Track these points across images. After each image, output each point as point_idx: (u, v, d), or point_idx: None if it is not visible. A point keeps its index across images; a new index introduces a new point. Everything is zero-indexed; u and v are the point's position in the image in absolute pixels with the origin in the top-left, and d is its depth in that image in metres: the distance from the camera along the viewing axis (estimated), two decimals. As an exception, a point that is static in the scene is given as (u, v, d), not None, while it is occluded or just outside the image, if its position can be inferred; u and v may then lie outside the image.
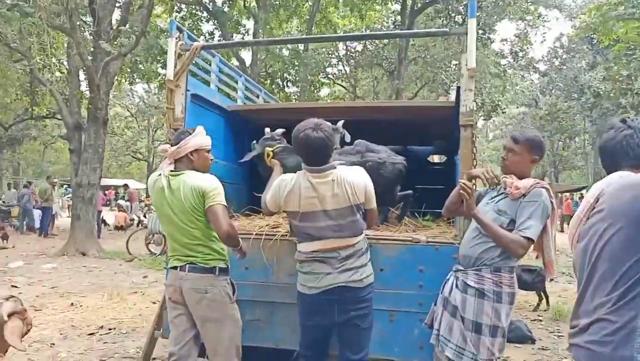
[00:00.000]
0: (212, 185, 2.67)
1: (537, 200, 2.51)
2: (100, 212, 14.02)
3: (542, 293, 6.53)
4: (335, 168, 2.62)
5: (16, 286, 7.51)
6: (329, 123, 2.73)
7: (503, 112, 22.54)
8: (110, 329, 5.29)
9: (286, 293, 3.08)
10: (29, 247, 12.53)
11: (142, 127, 31.33)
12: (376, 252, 3.04)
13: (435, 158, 5.99)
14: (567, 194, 23.06)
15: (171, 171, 2.72)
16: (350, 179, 2.59)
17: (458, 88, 3.26)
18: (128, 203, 20.40)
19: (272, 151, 3.58)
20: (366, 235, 3.10)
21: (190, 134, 2.76)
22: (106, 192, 22.14)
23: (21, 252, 11.43)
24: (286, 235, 3.20)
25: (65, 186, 21.05)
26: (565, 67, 29.19)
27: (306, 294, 2.70)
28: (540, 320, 6.07)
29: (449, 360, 2.60)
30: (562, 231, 21.03)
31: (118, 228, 17.31)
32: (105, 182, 21.53)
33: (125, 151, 30.67)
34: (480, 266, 2.58)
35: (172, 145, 2.75)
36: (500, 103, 20.09)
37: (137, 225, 16.26)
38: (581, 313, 1.69)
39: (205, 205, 2.63)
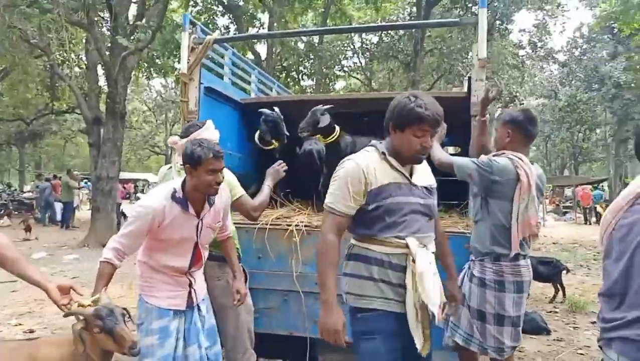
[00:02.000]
0: (229, 179, 2.77)
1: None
2: (119, 204, 14.27)
3: (558, 285, 6.49)
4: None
5: (39, 277, 7.72)
6: None
7: (521, 104, 22.21)
8: (130, 317, 5.41)
9: (298, 282, 3.14)
10: (52, 238, 12.82)
11: (159, 121, 31.70)
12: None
13: (451, 150, 5.97)
14: (586, 186, 22.68)
15: (182, 164, 2.77)
16: None
17: (469, 78, 3.27)
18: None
19: None
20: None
21: (200, 127, 2.81)
22: (125, 185, 22.52)
23: (44, 243, 11.71)
24: (298, 225, 3.24)
25: (85, 180, 21.41)
26: (585, 57, 28.56)
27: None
28: (557, 312, 6.04)
29: (458, 346, 2.65)
30: (587, 223, 20.73)
31: (137, 220, 17.51)
32: (124, 175, 21.88)
33: (144, 145, 31.08)
34: (483, 256, 2.62)
35: (181, 138, 2.79)
36: (518, 94, 19.82)
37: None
38: (628, 306, 1.55)
39: (232, 197, 2.76)
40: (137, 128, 28.71)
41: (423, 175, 2.13)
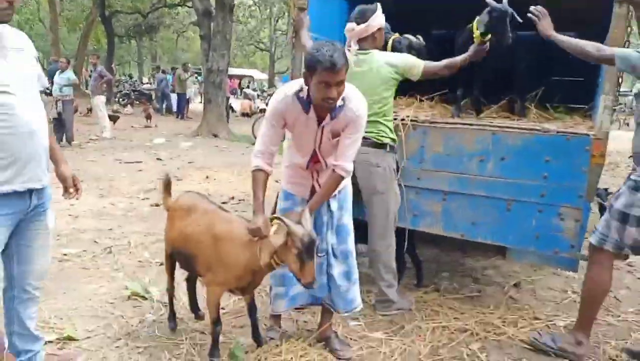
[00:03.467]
0: (405, 59, 2.89)
1: None
2: (228, 98, 14.97)
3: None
4: None
5: (160, 159, 8.54)
6: None
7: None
8: (240, 200, 5.89)
9: (401, 176, 3.16)
10: (169, 126, 13.95)
11: (264, 16, 31.63)
12: (499, 140, 2.95)
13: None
14: None
15: (358, 50, 2.82)
16: None
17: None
18: (254, 92, 21.44)
19: None
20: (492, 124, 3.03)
21: (374, 11, 2.81)
22: (231, 81, 23.25)
23: (162, 131, 12.79)
24: (404, 120, 3.18)
25: (195, 75, 22.43)
26: None
27: None
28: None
29: (591, 245, 2.54)
30: None
31: (244, 115, 18.44)
32: (232, 71, 22.45)
33: (249, 40, 31.50)
34: None
35: (358, 24, 2.79)
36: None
37: (261, 112, 17.16)
38: None
39: (420, 71, 2.85)
40: (243, 23, 28.95)
41: None
